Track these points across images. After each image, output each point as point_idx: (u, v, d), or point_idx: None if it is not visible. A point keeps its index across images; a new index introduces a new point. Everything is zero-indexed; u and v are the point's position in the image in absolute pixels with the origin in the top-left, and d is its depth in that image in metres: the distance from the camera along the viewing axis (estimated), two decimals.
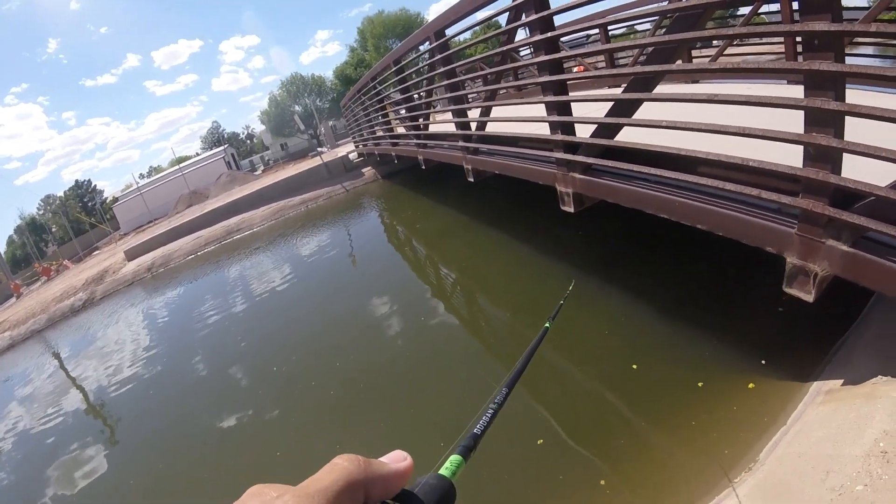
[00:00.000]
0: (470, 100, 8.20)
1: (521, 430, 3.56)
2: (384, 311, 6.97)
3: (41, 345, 15.99)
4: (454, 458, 0.59)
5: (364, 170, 17.70)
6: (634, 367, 3.77)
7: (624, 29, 11.74)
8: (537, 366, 3.39)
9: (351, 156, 18.40)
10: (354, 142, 18.41)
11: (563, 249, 6.43)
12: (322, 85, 42.83)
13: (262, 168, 41.97)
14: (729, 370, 3.36)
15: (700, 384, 3.32)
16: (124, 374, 8.83)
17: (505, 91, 6.46)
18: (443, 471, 0.55)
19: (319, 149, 24.39)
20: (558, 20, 4.00)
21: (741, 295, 4.19)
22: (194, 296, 12.81)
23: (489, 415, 0.74)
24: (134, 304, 14.86)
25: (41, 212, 54.17)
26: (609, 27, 8.42)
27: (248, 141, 61.75)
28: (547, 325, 1.46)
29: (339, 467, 0.39)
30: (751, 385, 3.12)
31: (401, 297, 7.33)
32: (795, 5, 5.76)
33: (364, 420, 4.56)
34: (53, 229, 50.17)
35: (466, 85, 7.18)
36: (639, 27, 13.28)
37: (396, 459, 0.44)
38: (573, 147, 3.95)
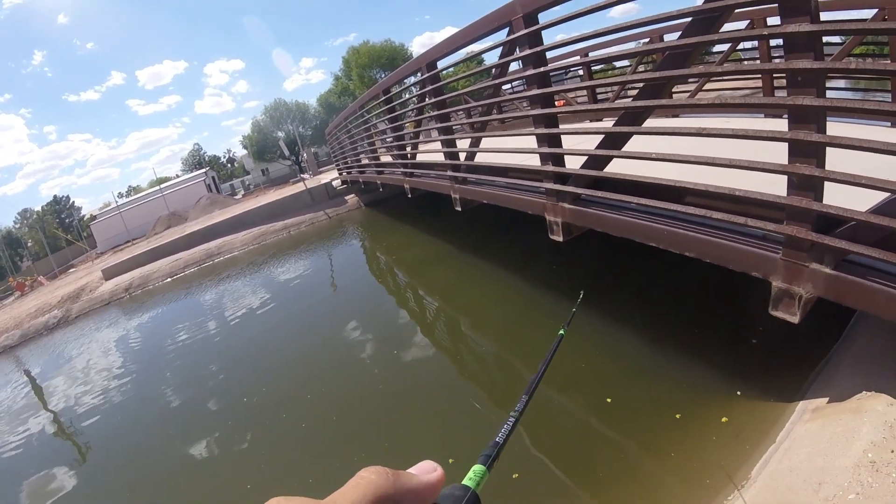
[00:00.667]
0: (458, 130, 8.40)
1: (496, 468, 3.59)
2: (360, 342, 6.95)
3: (12, 361, 15.54)
4: (477, 468, 0.60)
5: (347, 197, 17.82)
6: (609, 400, 3.84)
7: (602, 66, 12.20)
8: (508, 396, 3.49)
9: (335, 183, 18.54)
10: (338, 169, 18.57)
11: (548, 277, 6.55)
12: (306, 112, 43.26)
13: (242, 192, 41.77)
14: (710, 397, 3.44)
15: (677, 416, 3.37)
16: (94, 398, 8.61)
17: (491, 123, 6.68)
18: (466, 481, 0.55)
19: (302, 175, 24.46)
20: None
21: (722, 320, 4.33)
22: (170, 319, 12.61)
23: (510, 423, 0.78)
24: (109, 325, 14.58)
25: (17, 225, 53.35)
26: (592, 65, 8.80)
27: (229, 165, 61.56)
28: (561, 332, 1.52)
29: (367, 481, 0.37)
30: (733, 407, 3.22)
31: (379, 326, 7.34)
32: (773, 42, 6.14)
33: (335, 453, 4.50)
34: (29, 244, 49.35)
35: (455, 116, 7.34)
36: (617, 63, 13.84)
37: (426, 470, 0.43)
38: (563, 178, 4.11)
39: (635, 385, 4.00)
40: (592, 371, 4.41)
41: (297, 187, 20.96)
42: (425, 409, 4.81)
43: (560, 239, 4.30)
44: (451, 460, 3.72)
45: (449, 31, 74.64)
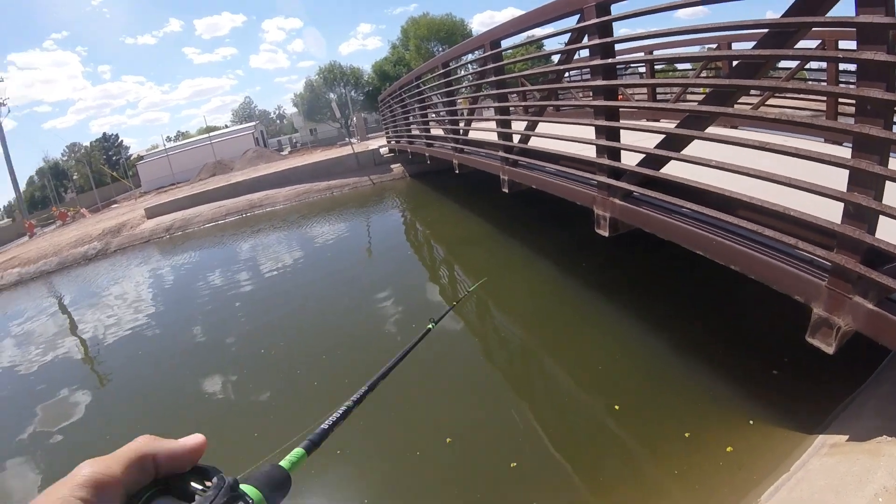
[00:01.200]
0: (511, 112, 8.41)
1: (493, 454, 3.74)
2: (385, 311, 7.12)
3: (47, 286, 16.53)
4: (297, 451, 0.68)
5: (393, 166, 18.01)
6: (617, 407, 3.90)
7: (662, 66, 11.92)
8: (521, 382, 3.54)
9: (382, 150, 18.74)
10: (387, 137, 18.73)
11: (586, 272, 6.59)
12: (359, 77, 43.58)
13: (288, 149, 42.63)
14: (725, 419, 3.46)
15: (686, 434, 3.39)
16: (120, 330, 9.15)
17: (549, 108, 6.67)
18: (283, 462, 0.63)
19: (349, 139, 24.78)
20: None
21: (752, 340, 4.31)
22: (205, 264, 13.20)
23: (342, 412, 0.85)
24: (146, 262, 15.37)
25: (65, 158, 55.33)
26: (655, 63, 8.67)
27: (279, 121, 62.86)
28: (430, 326, 1.69)
29: (135, 442, 0.48)
30: (749, 432, 3.24)
31: (407, 298, 7.50)
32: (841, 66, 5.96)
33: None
34: (75, 177, 51.17)
35: (514, 97, 7.35)
36: (678, 65, 13.53)
37: (190, 440, 0.51)
38: (617, 173, 4.14)
39: (649, 391, 4.05)
40: (608, 369, 4.48)
41: (344, 150, 21.28)
42: (436, 383, 4.96)
43: (605, 234, 4.35)
44: (448, 440, 3.91)
45: (511, 12, 74.70)
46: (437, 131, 11.59)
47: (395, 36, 51.34)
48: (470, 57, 7.81)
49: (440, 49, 40.41)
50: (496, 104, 6.90)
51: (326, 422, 0.79)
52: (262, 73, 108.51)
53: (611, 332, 5.10)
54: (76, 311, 12.03)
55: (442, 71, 9.14)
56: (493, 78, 6.75)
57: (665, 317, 5.03)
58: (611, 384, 4.27)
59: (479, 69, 7.32)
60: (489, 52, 6.64)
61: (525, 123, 6.27)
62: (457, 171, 9.64)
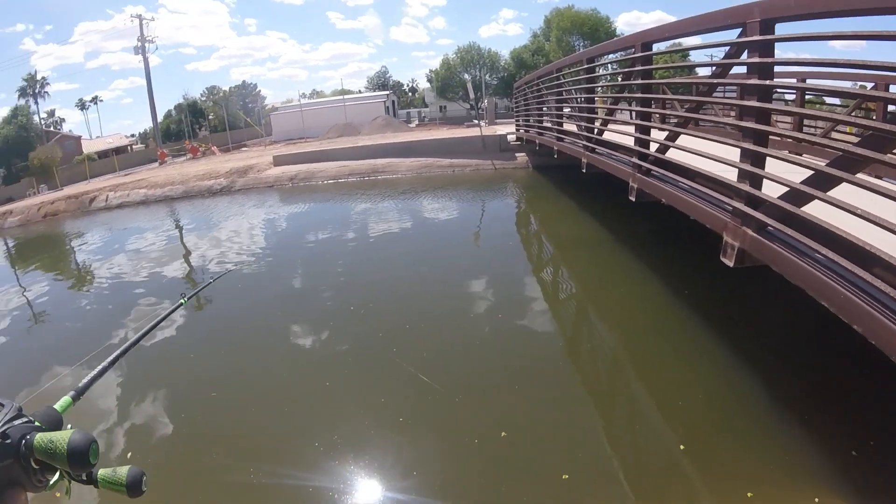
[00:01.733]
0: (653, 119, 8.23)
1: (547, 460, 3.86)
2: (480, 296, 7.38)
3: (168, 210, 19.07)
4: (66, 399, 1.03)
5: (518, 154, 18.12)
6: (682, 447, 3.87)
7: (811, 96, 11.00)
8: (589, 401, 3.64)
9: (509, 137, 18.91)
10: (517, 125, 18.86)
11: (697, 298, 6.36)
12: (496, 61, 43.81)
13: (416, 122, 44.06)
14: (799, 488, 3.35)
15: (749, 494, 3.32)
16: (224, 260, 10.42)
17: (688, 120, 6.47)
18: (56, 405, 0.99)
19: (477, 121, 25.13)
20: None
21: (852, 404, 4.10)
22: (318, 216, 14.48)
23: (100, 370, 1.16)
24: (264, 205, 17.07)
25: (203, 98, 60.41)
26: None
27: (410, 94, 64.76)
28: (182, 301, 2.05)
29: None
30: None
31: (505, 290, 7.66)
32: None
33: (404, 384, 5.09)
34: (210, 117, 55.81)
35: (655, 103, 7.20)
36: (827, 99, 12.49)
37: None
38: (755, 202, 4.04)
39: (724, 438, 3.98)
40: (689, 405, 4.43)
41: (471, 131, 21.71)
42: (507, 379, 5.15)
43: (730, 264, 4.26)
44: (503, 433, 4.15)
45: (659, 16, 72.86)
46: (569, 126, 11.56)
47: (537, 25, 51.18)
48: (612, 57, 7.73)
49: (581, 43, 39.87)
50: (637, 108, 6.82)
51: (89, 377, 1.08)
52: (401, 45, 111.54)
53: (704, 367, 5.00)
54: (188, 237, 13.83)
55: (585, 66, 9.10)
56: (639, 81, 6.68)
57: (767, 366, 4.81)
58: (686, 421, 4.24)
59: (625, 70, 7.26)
60: (639, 54, 6.57)
61: (663, 133, 6.16)
62: (583, 171, 9.60)
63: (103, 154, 43.21)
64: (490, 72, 43.53)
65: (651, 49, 6.44)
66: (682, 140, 5.89)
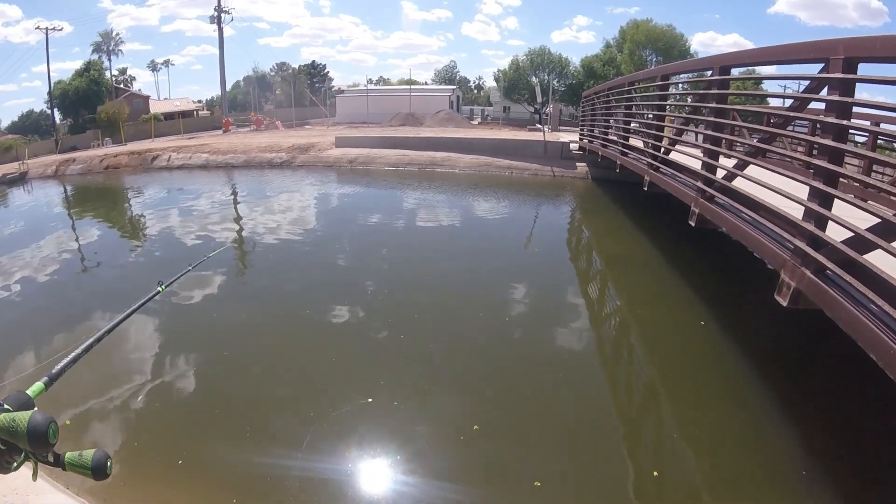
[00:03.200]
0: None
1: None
2: (517, 302, 7.54)
3: (227, 176, 20.20)
4: (38, 385, 1.07)
5: (578, 164, 18.07)
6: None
7: (882, 141, 10.55)
8: (617, 425, 3.74)
9: (572, 145, 18.85)
10: (581, 133, 18.77)
11: (745, 334, 6.25)
12: (565, 68, 43.55)
13: (478, 120, 44.26)
14: None
15: None
16: (275, 233, 11.08)
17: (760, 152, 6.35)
18: (29, 390, 1.05)
19: (539, 126, 25.12)
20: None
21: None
22: (372, 200, 15.11)
23: (74, 355, 1.19)
24: (322, 183, 17.90)
25: (272, 73, 62.31)
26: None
27: (476, 91, 65.10)
28: (160, 288, 2.15)
29: None
30: None
31: (545, 298, 7.80)
32: None
33: (414, 374, 5.37)
34: (277, 92, 57.69)
35: (725, 129, 7.11)
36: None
37: None
38: (817, 243, 4.02)
39: (740, 477, 3.98)
40: (726, 448, 4.42)
41: (534, 135, 21.78)
42: (529, 389, 5.27)
43: (783, 303, 4.24)
44: (475, 426, 4.42)
45: (735, 38, 75.58)
46: (634, 142, 11.48)
47: (611, 35, 50.81)
48: (685, 77, 7.69)
49: (654, 59, 39.70)
50: (707, 132, 6.77)
51: (61, 364, 1.12)
52: (471, 41, 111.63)
53: (737, 408, 4.95)
54: (242, 205, 14.61)
55: (659, 83, 9.06)
56: (713, 104, 6.64)
57: (804, 416, 4.72)
58: (713, 460, 4.25)
59: (699, 92, 7.21)
60: (715, 77, 6.53)
61: (729, 159, 6.11)
62: (645, 188, 9.54)
63: (169, 116, 45.20)
64: (558, 77, 43.32)
65: (729, 73, 6.40)
66: (749, 170, 5.85)
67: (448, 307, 7.23)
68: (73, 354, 1.15)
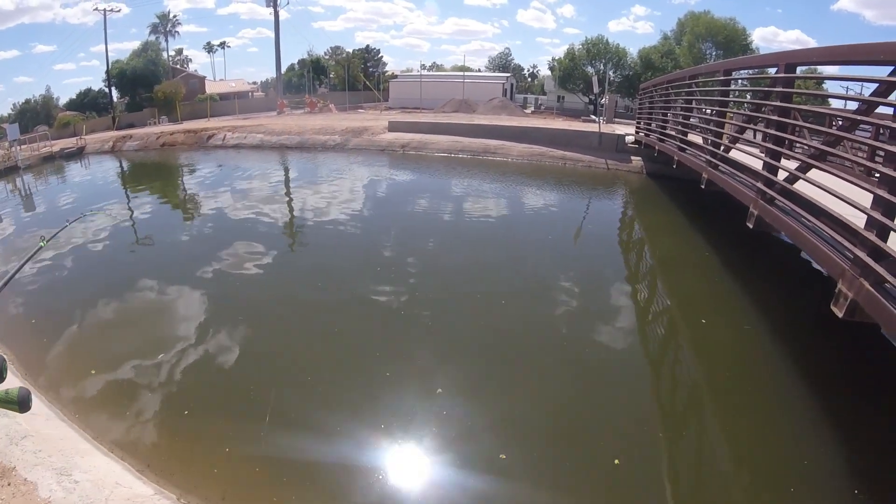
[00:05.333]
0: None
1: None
2: (552, 301, 7.46)
3: (280, 157, 21.03)
4: None
5: (633, 157, 17.76)
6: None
7: None
8: (660, 437, 3.75)
9: (627, 138, 18.55)
10: (637, 127, 18.45)
11: (800, 346, 6.07)
12: (622, 58, 42.62)
13: (531, 108, 43.88)
14: None
15: None
16: (323, 214, 11.54)
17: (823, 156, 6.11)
18: None
19: (593, 117, 24.81)
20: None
21: None
22: (420, 186, 15.45)
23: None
24: (373, 166, 18.39)
25: (327, 57, 63.57)
26: None
27: (530, 79, 64.59)
28: (41, 244, 2.44)
29: None
30: None
31: (593, 291, 7.87)
32: None
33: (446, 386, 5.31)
34: (331, 75, 58.74)
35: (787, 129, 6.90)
36: None
37: None
38: (879, 254, 3.93)
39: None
40: (752, 447, 4.42)
41: (588, 126, 21.57)
42: (571, 386, 5.36)
43: (839, 314, 4.17)
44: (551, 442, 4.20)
45: (797, 35, 72.42)
46: (693, 138, 11.26)
47: (669, 26, 49.74)
48: (746, 73, 7.51)
49: (713, 52, 38.82)
50: (769, 131, 6.61)
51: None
52: (526, 28, 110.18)
53: (784, 423, 4.85)
54: (294, 185, 15.26)
55: (721, 78, 8.86)
56: (777, 103, 6.49)
57: (867, 442, 4.53)
58: (753, 476, 4.18)
59: (762, 89, 7.04)
60: (780, 75, 6.37)
61: (790, 161, 5.97)
62: (702, 186, 9.37)
63: (224, 96, 46.58)
64: (615, 68, 42.48)
65: (794, 71, 6.24)
66: (815, 174, 5.71)
67: (491, 296, 7.33)
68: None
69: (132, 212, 12.90)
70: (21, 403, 1.23)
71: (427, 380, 5.24)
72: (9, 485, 3.19)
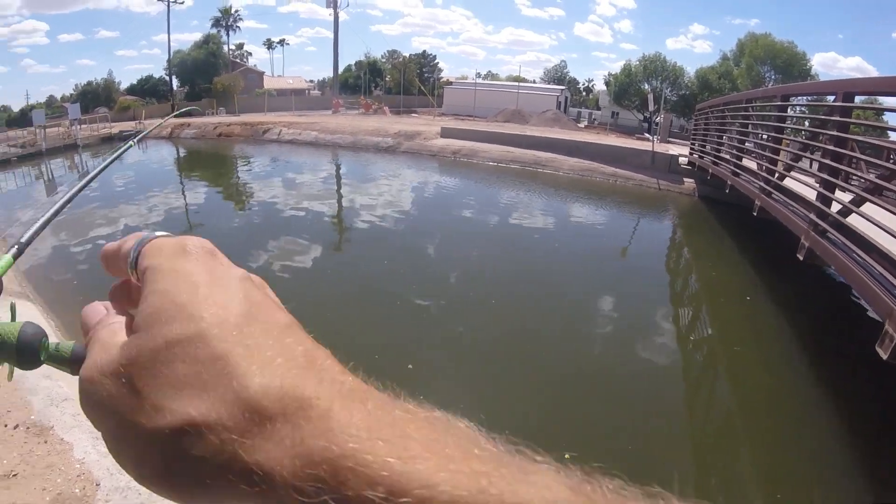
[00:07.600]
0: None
1: None
2: (610, 318, 7.48)
3: (333, 155, 21.62)
4: (7, 258, 0.75)
5: (686, 179, 17.44)
6: None
7: None
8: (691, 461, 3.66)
9: (681, 159, 18.25)
10: (691, 148, 18.16)
11: (841, 388, 5.74)
12: (679, 76, 42.10)
13: (585, 123, 43.67)
14: None
15: None
16: (372, 213, 11.86)
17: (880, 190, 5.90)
18: None
19: (650, 135, 24.49)
20: None
21: None
22: (468, 193, 15.63)
23: (43, 222, 1.00)
24: (423, 170, 18.87)
25: (384, 60, 65.05)
26: None
27: (585, 93, 64.23)
28: (131, 143, 1.97)
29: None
30: None
31: (635, 314, 7.77)
32: None
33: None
34: (387, 79, 59.98)
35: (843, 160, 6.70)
36: None
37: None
38: None
39: None
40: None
41: (642, 144, 21.33)
42: (605, 405, 5.31)
43: (884, 356, 4.05)
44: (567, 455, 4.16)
45: (857, 62, 73.93)
46: (748, 163, 11.03)
47: (727, 46, 49.06)
48: (804, 99, 7.35)
49: (772, 75, 38.40)
50: (825, 160, 6.46)
51: (32, 229, 0.88)
52: (583, 42, 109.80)
53: (825, 466, 4.68)
54: (344, 182, 15.72)
55: (778, 104, 8.68)
56: (833, 132, 6.33)
57: None
58: None
59: (819, 117, 6.89)
60: (838, 104, 6.23)
61: (844, 193, 5.82)
62: (754, 213, 9.18)
63: (281, 92, 48.09)
64: (671, 86, 41.98)
65: (853, 100, 6.10)
66: (865, 207, 5.56)
67: (529, 307, 7.38)
68: (40, 221, 0.98)
69: (185, 196, 13.59)
70: (73, 361, 1.14)
71: (450, 392, 5.25)
72: (45, 442, 3.35)
